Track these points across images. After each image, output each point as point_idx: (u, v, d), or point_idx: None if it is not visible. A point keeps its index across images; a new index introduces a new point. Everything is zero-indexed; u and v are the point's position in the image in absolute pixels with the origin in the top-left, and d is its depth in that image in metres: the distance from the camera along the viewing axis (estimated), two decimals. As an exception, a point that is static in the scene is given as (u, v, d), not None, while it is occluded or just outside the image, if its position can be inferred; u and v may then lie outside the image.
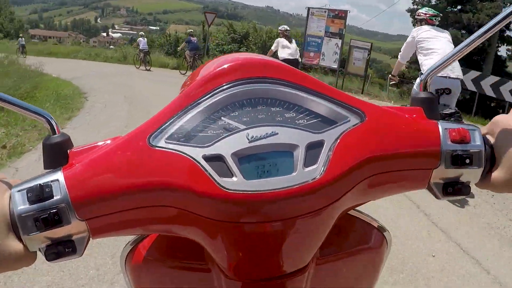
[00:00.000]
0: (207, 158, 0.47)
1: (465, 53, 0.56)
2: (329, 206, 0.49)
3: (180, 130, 0.50)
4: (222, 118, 0.51)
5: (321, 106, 0.53)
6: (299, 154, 0.48)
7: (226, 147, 0.48)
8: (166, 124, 0.50)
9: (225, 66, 0.53)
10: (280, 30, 9.89)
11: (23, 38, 28.85)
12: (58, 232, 0.47)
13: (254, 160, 0.48)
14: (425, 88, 0.60)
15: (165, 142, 0.49)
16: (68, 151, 0.52)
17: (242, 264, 0.51)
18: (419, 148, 0.53)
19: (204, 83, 0.52)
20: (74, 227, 0.48)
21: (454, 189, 0.55)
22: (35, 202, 0.46)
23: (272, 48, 9.95)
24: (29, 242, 0.47)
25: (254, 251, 0.49)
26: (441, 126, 0.55)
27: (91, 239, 0.50)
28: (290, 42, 9.67)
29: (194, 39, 16.55)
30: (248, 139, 0.49)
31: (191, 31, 17.66)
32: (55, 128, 0.53)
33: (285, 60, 8.23)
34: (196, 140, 0.49)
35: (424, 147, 0.53)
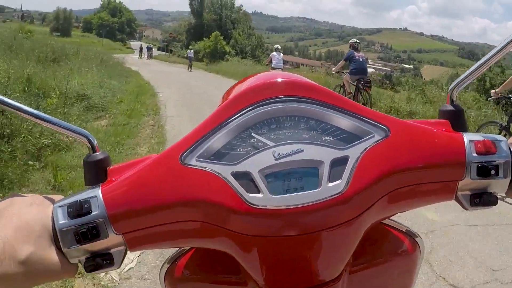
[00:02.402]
0: (235, 175, 0.49)
1: (489, 66, 0.57)
2: (354, 219, 0.50)
3: (210, 149, 0.52)
4: (250, 136, 0.53)
5: (346, 122, 0.54)
6: (324, 170, 0.49)
7: (254, 164, 0.50)
8: (197, 143, 0.52)
9: (253, 85, 0.56)
10: None
11: (192, 51, 29.10)
12: (97, 245, 0.50)
13: (280, 177, 0.49)
14: (451, 101, 0.60)
15: (196, 160, 0.51)
16: (108, 168, 0.55)
17: (276, 276, 0.52)
18: (444, 160, 0.53)
19: (232, 103, 0.54)
20: (112, 241, 0.50)
21: (481, 200, 0.55)
22: (75, 217, 0.49)
23: None
24: (70, 255, 0.50)
25: (284, 263, 0.51)
26: (466, 138, 0.55)
27: (128, 251, 0.53)
28: None
29: (360, 55, 9.43)
30: (274, 156, 0.50)
31: (356, 42, 9.79)
32: (95, 146, 0.56)
33: None
34: (225, 158, 0.51)
35: (449, 159, 0.53)
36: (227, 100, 0.56)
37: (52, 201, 0.53)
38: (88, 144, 0.56)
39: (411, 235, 0.65)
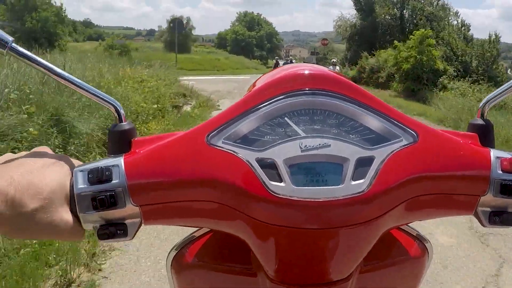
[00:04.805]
0: (260, 162, 0.49)
1: None
2: (373, 220, 0.49)
3: (238, 132, 0.52)
4: (279, 124, 0.53)
5: (375, 123, 0.54)
6: (349, 167, 0.49)
7: (279, 153, 0.50)
8: (225, 125, 0.52)
9: (287, 75, 0.56)
10: None
11: (335, 66, 20.09)
12: (112, 214, 0.50)
13: (304, 168, 0.49)
14: (482, 115, 0.60)
15: (222, 142, 0.51)
16: (132, 139, 0.55)
17: (287, 269, 0.52)
18: (468, 173, 0.53)
19: (264, 90, 0.55)
20: (128, 211, 0.50)
21: (500, 218, 0.54)
22: (95, 183, 0.49)
23: None
24: (84, 220, 0.50)
25: (297, 256, 0.51)
26: (493, 154, 0.54)
27: (142, 225, 0.53)
28: None
29: None
30: (301, 148, 0.50)
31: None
32: (122, 116, 0.56)
33: None
34: (252, 143, 0.51)
35: (473, 173, 0.53)
36: (259, 87, 0.56)
37: (73, 166, 0.52)
38: (115, 114, 0.55)
39: (421, 240, 0.66)
